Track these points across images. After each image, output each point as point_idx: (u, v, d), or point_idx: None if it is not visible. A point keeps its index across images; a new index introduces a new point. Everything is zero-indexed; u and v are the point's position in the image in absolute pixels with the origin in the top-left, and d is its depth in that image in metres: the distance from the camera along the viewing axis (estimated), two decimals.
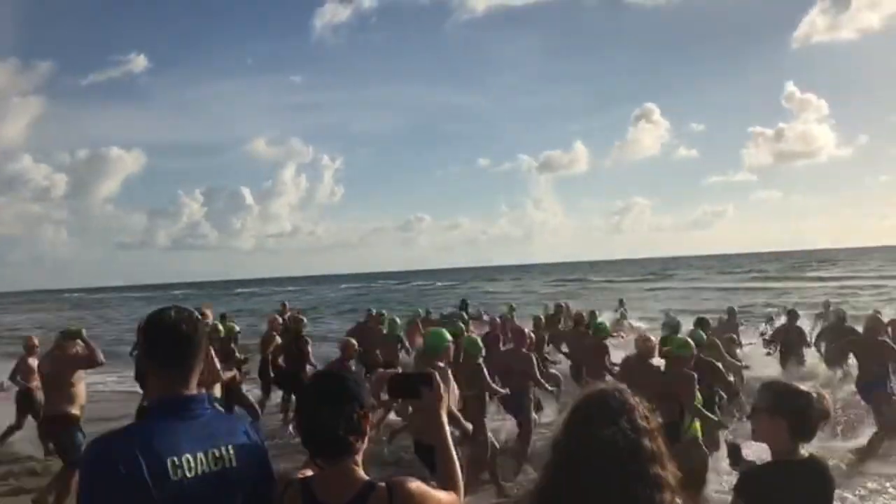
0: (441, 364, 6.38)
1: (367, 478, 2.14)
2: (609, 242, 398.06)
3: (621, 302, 23.19)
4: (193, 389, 2.18)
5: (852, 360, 10.88)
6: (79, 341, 7.85)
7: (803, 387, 2.98)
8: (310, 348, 12.13)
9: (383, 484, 2.10)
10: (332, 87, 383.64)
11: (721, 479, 6.95)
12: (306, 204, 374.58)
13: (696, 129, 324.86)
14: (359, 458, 2.17)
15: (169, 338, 2.15)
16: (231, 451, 2.13)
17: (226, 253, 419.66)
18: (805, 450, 2.93)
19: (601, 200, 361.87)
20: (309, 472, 2.21)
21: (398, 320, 14.44)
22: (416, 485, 2.12)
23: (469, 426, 6.61)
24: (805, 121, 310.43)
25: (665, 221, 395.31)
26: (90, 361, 7.79)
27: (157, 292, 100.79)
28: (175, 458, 2.01)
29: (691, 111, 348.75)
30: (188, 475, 2.02)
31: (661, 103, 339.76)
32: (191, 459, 2.04)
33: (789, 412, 2.88)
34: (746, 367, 12.00)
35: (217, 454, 2.10)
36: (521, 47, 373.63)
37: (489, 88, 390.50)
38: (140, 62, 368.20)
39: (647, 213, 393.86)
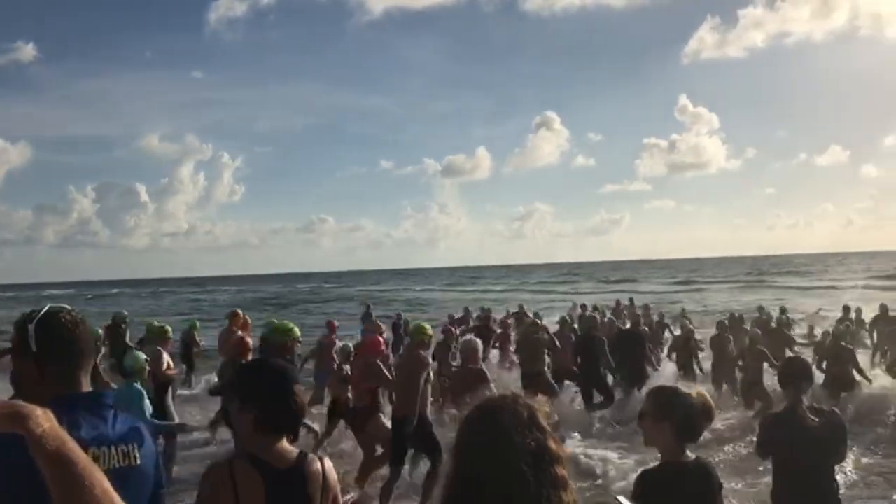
0: None
1: (297, 449, 2.51)
2: (511, 247, 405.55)
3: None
4: (88, 388, 2.16)
5: None
6: None
7: (685, 390, 3.07)
8: None
9: (312, 454, 2.54)
10: (231, 83, 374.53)
11: None
12: (204, 203, 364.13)
13: (594, 139, 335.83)
14: None
15: (65, 336, 2.11)
16: (136, 449, 2.14)
17: (118, 252, 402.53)
18: (691, 452, 3.05)
19: (504, 206, 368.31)
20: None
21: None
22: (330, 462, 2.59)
23: None
24: (697, 133, 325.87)
25: (566, 228, 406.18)
26: None
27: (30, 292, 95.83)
28: (95, 450, 1.99)
29: (589, 121, 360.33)
30: (103, 467, 1.94)
31: (561, 112, 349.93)
32: (106, 452, 2.04)
33: (673, 415, 2.97)
34: None
35: (125, 450, 2.10)
36: (424, 51, 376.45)
37: (392, 91, 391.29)
38: (28, 51, 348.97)
39: (549, 220, 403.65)
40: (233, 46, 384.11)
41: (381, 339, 9.53)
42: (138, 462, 2.14)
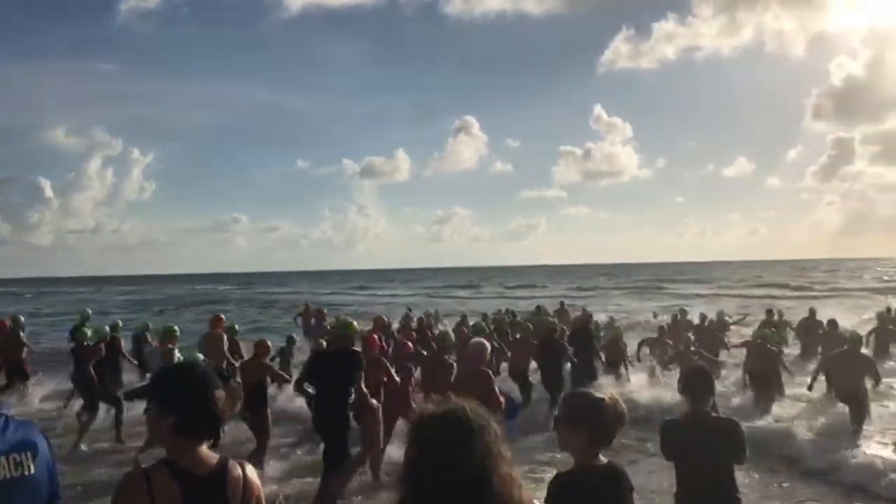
0: None
1: (218, 454, 2.45)
2: (430, 250, 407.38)
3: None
4: None
5: None
6: None
7: (598, 395, 3.12)
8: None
9: (233, 461, 2.46)
10: (143, 77, 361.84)
11: None
12: (113, 199, 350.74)
13: (512, 145, 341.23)
14: None
15: None
16: (29, 458, 2.10)
17: (19, 249, 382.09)
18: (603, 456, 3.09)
19: (423, 209, 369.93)
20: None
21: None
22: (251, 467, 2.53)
23: None
24: (611, 142, 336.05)
25: (483, 232, 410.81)
26: None
27: None
28: None
29: (507, 127, 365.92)
30: None
31: (480, 117, 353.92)
32: None
33: (587, 420, 3.02)
34: None
35: (17, 459, 2.06)
36: (344, 51, 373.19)
37: (310, 90, 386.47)
38: None
39: (467, 224, 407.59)
40: (145, 39, 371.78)
41: (375, 336, 9.98)
42: (32, 471, 2.10)
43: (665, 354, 14.12)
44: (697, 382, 4.56)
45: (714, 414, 4.73)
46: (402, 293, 71.21)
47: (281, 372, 9.96)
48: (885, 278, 74.79)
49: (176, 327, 11.07)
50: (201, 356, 8.60)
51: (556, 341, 12.83)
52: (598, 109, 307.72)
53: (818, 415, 11.38)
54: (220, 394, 2.47)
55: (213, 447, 2.47)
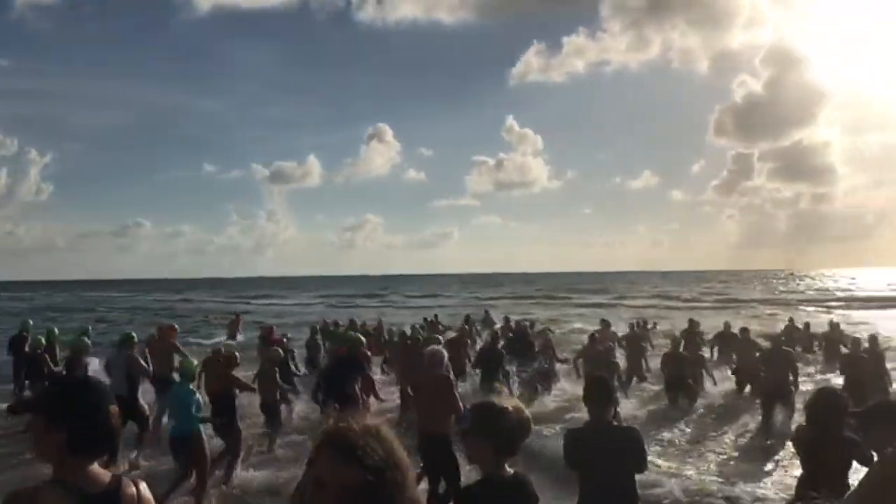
0: None
1: (110, 472, 2.33)
2: (341, 258, 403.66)
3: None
4: None
5: None
6: None
7: (503, 405, 3.10)
8: None
9: (126, 478, 2.37)
10: (42, 74, 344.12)
11: None
12: (6, 201, 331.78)
13: (425, 154, 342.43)
14: None
15: None
16: None
17: None
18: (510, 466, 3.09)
19: (334, 216, 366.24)
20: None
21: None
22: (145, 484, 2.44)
23: None
24: (523, 153, 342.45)
25: (396, 240, 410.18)
26: None
27: None
28: None
29: (421, 135, 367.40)
30: None
31: (394, 125, 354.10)
32: None
33: (491, 430, 3.01)
34: None
35: None
36: (254, 54, 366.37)
37: (219, 92, 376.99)
38: None
39: (380, 231, 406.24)
40: (44, 35, 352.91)
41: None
42: None
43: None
44: (598, 391, 4.63)
45: (615, 423, 4.84)
46: (304, 302, 70.19)
47: (248, 383, 9.98)
48: (782, 289, 78.92)
49: (134, 334, 11.27)
50: (196, 361, 9.20)
51: (497, 349, 13.61)
52: (510, 121, 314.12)
53: (728, 430, 11.50)
54: (115, 408, 2.33)
55: (106, 465, 2.36)
